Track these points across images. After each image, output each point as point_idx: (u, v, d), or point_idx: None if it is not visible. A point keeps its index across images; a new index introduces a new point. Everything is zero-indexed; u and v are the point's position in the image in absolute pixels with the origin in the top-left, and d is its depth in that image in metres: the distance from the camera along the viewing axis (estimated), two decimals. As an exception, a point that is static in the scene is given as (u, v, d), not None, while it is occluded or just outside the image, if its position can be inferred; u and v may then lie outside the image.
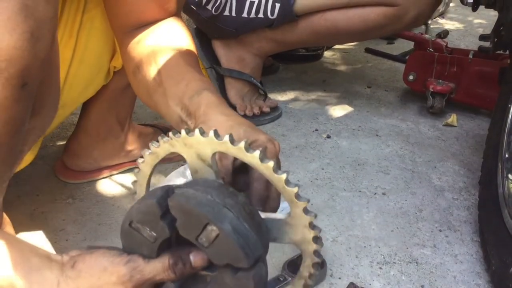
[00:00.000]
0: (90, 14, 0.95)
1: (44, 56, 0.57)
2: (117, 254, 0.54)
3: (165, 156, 0.58)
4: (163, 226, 0.52)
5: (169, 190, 0.52)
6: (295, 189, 0.53)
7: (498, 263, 0.92)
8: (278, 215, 0.57)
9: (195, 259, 0.53)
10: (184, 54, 0.84)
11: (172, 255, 0.54)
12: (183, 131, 0.55)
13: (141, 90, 0.86)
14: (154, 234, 0.52)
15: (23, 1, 0.52)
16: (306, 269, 0.60)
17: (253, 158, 0.53)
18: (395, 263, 1.02)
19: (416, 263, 1.02)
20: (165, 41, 0.85)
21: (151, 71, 0.82)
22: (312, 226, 0.56)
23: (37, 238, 1.03)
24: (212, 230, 0.50)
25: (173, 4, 0.88)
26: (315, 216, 0.55)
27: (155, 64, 0.82)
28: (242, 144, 0.53)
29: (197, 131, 0.54)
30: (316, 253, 0.58)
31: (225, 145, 0.53)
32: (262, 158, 0.52)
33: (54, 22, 0.59)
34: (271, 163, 0.52)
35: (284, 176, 0.53)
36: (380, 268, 1.00)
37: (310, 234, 0.56)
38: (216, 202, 0.51)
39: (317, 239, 0.57)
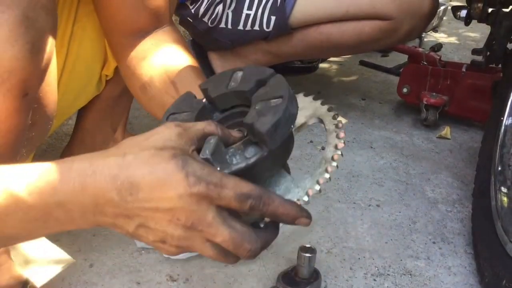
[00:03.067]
0: (81, 23, 0.96)
1: (44, 66, 0.58)
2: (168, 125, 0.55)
3: None
4: (197, 101, 0.63)
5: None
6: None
7: (491, 276, 0.93)
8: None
9: None
10: (195, 69, 0.85)
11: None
12: None
13: (154, 106, 0.87)
14: (190, 111, 0.62)
15: (24, 12, 0.53)
16: (332, 141, 0.63)
17: None
18: (389, 275, 1.02)
19: (410, 275, 1.03)
20: (172, 56, 0.86)
21: (168, 89, 0.83)
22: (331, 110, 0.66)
23: (31, 250, 1.03)
24: (238, 72, 0.62)
25: (164, 10, 0.89)
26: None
27: (171, 82, 0.83)
28: None
29: None
30: (339, 124, 0.64)
31: None
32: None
33: (54, 32, 0.60)
34: None
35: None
36: (374, 280, 1.01)
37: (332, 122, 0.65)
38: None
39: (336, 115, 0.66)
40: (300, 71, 2.06)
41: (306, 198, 0.59)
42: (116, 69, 1.03)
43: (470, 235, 1.13)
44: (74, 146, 1.20)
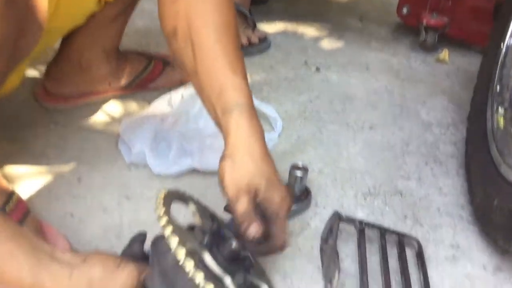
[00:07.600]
0: None
1: None
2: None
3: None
4: None
5: None
6: None
7: (482, 196, 0.93)
8: None
9: None
10: (223, 37, 0.77)
11: None
12: None
13: (178, 59, 0.81)
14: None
15: None
16: None
17: None
18: (379, 194, 1.02)
19: (400, 194, 1.03)
20: (203, 12, 0.77)
21: (187, 52, 0.77)
22: None
23: (18, 163, 1.01)
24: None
25: None
26: None
27: (191, 45, 0.76)
28: None
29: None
30: None
31: None
32: None
33: None
34: None
35: None
36: (365, 199, 1.01)
37: None
38: None
39: None
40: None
41: None
42: None
43: (463, 157, 1.13)
44: (60, 62, 1.16)
